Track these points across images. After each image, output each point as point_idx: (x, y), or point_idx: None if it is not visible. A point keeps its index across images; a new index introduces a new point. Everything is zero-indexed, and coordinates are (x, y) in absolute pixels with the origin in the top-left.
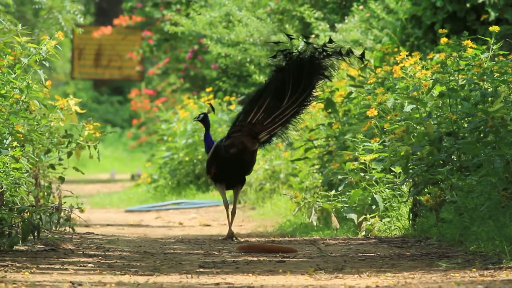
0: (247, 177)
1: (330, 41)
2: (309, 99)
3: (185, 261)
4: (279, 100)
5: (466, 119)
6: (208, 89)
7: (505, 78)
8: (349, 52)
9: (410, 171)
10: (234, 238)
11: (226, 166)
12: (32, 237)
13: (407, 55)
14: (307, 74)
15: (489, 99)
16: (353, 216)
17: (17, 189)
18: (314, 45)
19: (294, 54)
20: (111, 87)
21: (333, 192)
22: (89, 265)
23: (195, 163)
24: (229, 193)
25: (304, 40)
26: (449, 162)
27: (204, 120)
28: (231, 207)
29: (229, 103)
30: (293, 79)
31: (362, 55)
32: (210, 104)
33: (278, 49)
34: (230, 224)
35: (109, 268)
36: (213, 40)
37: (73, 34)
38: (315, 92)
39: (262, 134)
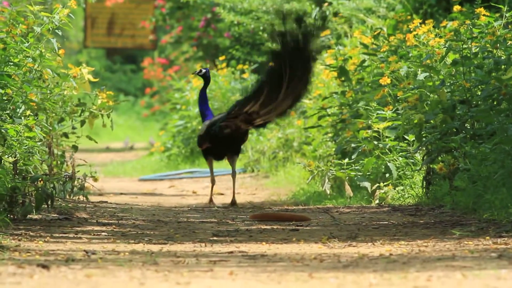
0: (261, 146)
1: (324, 18)
2: (304, 89)
3: (198, 229)
4: (276, 92)
5: (479, 87)
6: (221, 58)
7: None
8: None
9: (424, 139)
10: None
11: (218, 143)
12: (45, 206)
13: (420, 23)
14: (302, 57)
15: (503, 66)
16: (367, 184)
17: (31, 158)
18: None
19: (287, 36)
20: (124, 55)
21: (346, 160)
22: (103, 233)
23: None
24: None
25: (295, 19)
26: (462, 130)
27: (205, 75)
28: (215, 180)
29: (242, 72)
30: (290, 65)
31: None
32: (212, 59)
33: (274, 32)
34: (234, 191)
35: (122, 236)
36: (226, 9)
37: (86, 2)
38: (310, 80)
39: (257, 121)
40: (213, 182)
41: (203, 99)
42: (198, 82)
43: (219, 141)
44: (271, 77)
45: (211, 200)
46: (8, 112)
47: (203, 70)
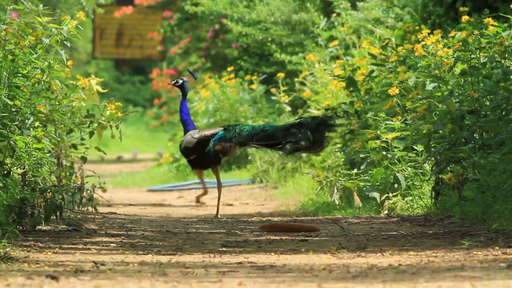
0: (269, 157)
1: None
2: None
3: (207, 240)
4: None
5: (488, 97)
6: (230, 68)
7: None
8: (346, 112)
9: (432, 149)
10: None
11: (206, 156)
12: (54, 217)
13: (428, 33)
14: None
15: (511, 76)
16: (376, 194)
17: (40, 169)
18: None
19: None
20: (133, 66)
21: (355, 170)
22: (112, 244)
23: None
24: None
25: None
26: (471, 140)
27: (182, 86)
28: (207, 190)
29: (251, 82)
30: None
31: (356, 112)
32: (189, 70)
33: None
34: (218, 202)
35: (131, 247)
36: (234, 20)
37: (94, 14)
38: (323, 145)
39: (251, 144)
40: (206, 192)
41: (183, 110)
42: (207, 93)
43: (208, 155)
44: (292, 129)
45: (198, 200)
46: (16, 123)
47: (180, 81)
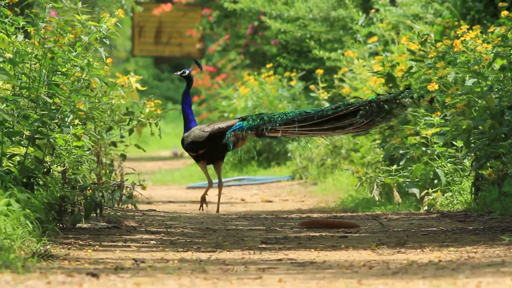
0: (309, 153)
1: (408, 87)
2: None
3: (247, 237)
4: (328, 127)
5: None
6: (269, 65)
7: None
8: (420, 97)
9: (472, 145)
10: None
11: (217, 149)
12: (94, 214)
13: (467, 29)
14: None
15: None
16: (415, 190)
17: (79, 167)
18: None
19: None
20: (172, 64)
21: (394, 167)
22: (152, 242)
23: (256, 139)
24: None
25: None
26: (511, 135)
27: (189, 76)
28: (214, 182)
29: (290, 79)
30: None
31: (431, 100)
32: (195, 60)
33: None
34: (219, 200)
35: (171, 245)
36: (273, 17)
37: (133, 11)
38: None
39: (272, 134)
40: (211, 183)
41: (186, 100)
42: (246, 90)
43: (219, 148)
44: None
45: (202, 204)
46: (56, 121)
47: (186, 71)
